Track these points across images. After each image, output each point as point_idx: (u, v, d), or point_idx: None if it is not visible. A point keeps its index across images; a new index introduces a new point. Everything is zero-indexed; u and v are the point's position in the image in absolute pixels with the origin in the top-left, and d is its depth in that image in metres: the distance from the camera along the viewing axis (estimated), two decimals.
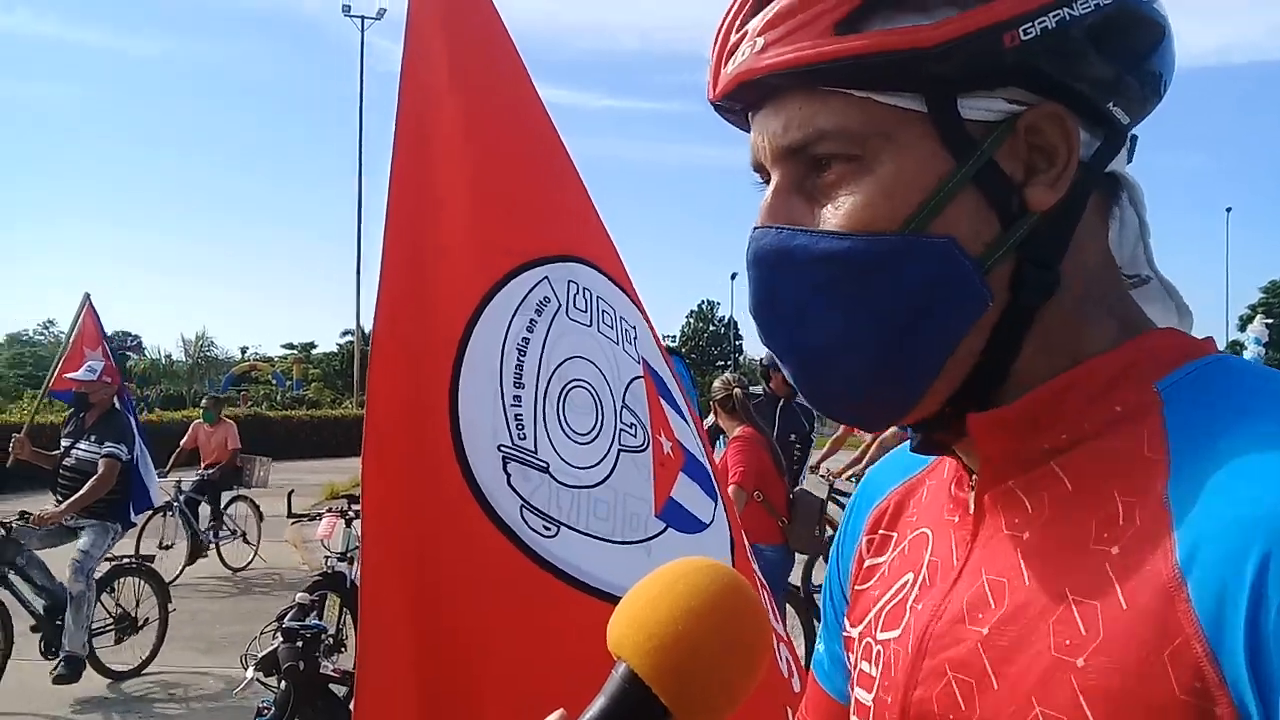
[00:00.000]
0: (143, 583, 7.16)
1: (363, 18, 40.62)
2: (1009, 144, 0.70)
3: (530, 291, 1.86)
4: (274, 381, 60.08)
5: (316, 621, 3.68)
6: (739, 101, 0.76)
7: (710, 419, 6.27)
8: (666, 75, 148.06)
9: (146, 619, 7.09)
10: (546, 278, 1.89)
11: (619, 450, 1.88)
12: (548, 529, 1.74)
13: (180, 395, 48.09)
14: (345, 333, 66.94)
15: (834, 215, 0.70)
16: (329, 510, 6.97)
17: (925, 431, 0.77)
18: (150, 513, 9.00)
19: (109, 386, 7.34)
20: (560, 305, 1.89)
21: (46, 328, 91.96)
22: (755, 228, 0.74)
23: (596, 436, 1.87)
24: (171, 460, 10.85)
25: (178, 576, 8.92)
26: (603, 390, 1.91)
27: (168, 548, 9.91)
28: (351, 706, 3.50)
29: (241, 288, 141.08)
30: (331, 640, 6.03)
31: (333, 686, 3.52)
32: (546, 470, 1.78)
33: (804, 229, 0.71)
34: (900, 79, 0.68)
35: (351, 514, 6.55)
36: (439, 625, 1.70)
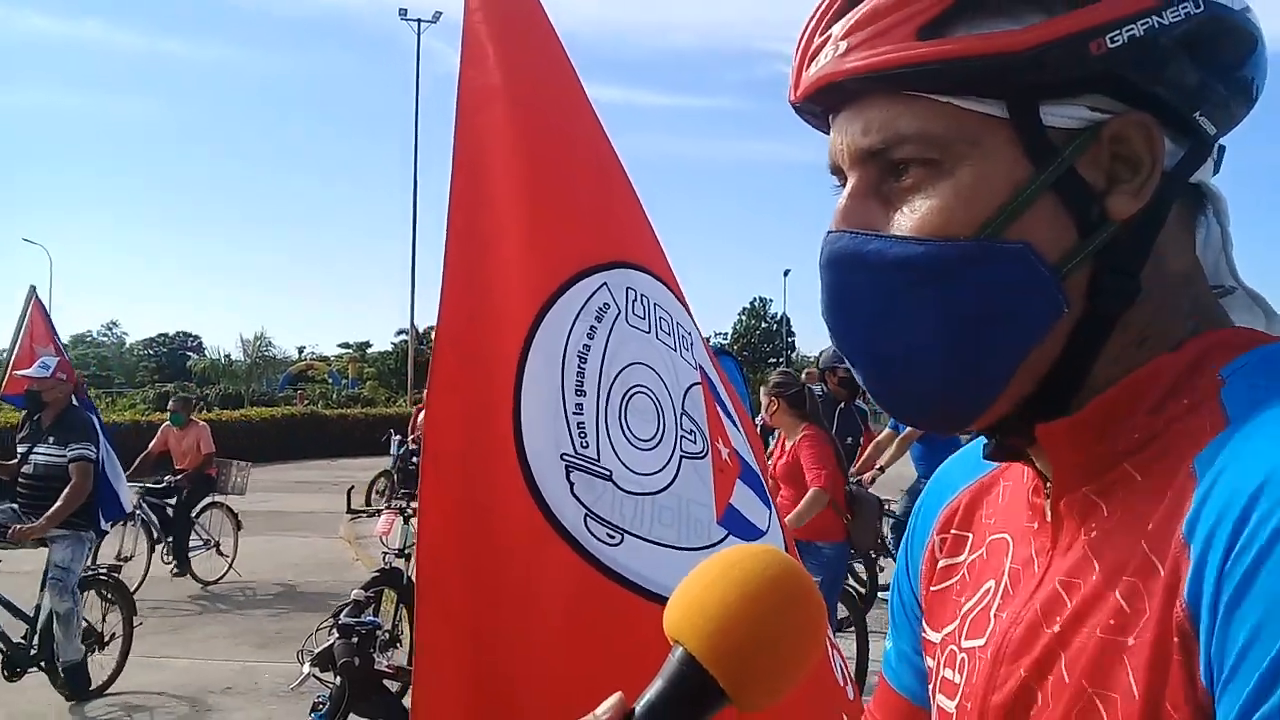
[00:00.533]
0: (109, 596, 6.63)
1: (419, 21, 41.04)
2: (1092, 152, 0.69)
3: (590, 298, 1.86)
4: (330, 380, 61.00)
5: (372, 618, 3.71)
6: (820, 104, 0.76)
7: (759, 417, 6.19)
8: (721, 72, 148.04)
9: (113, 634, 6.53)
10: (605, 284, 1.89)
11: (681, 456, 1.87)
12: (612, 537, 1.73)
13: (239, 394, 48.87)
14: (400, 332, 67.52)
15: (910, 220, 0.70)
16: (388, 506, 7.03)
17: (998, 437, 0.77)
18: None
19: (64, 384, 6.63)
20: (620, 311, 1.89)
21: (110, 329, 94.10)
22: (830, 231, 0.74)
23: (659, 443, 1.86)
24: (135, 465, 9.65)
25: (138, 588, 8.10)
26: (663, 397, 1.90)
27: (127, 559, 8.87)
28: (406, 703, 3.52)
29: (299, 289, 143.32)
30: (387, 636, 6.09)
31: (387, 682, 3.55)
32: (610, 478, 1.77)
33: (879, 233, 0.71)
34: (983, 84, 0.68)
35: (410, 511, 6.59)
36: (498, 631, 1.70)
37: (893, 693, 0.96)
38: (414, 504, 6.05)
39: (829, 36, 0.73)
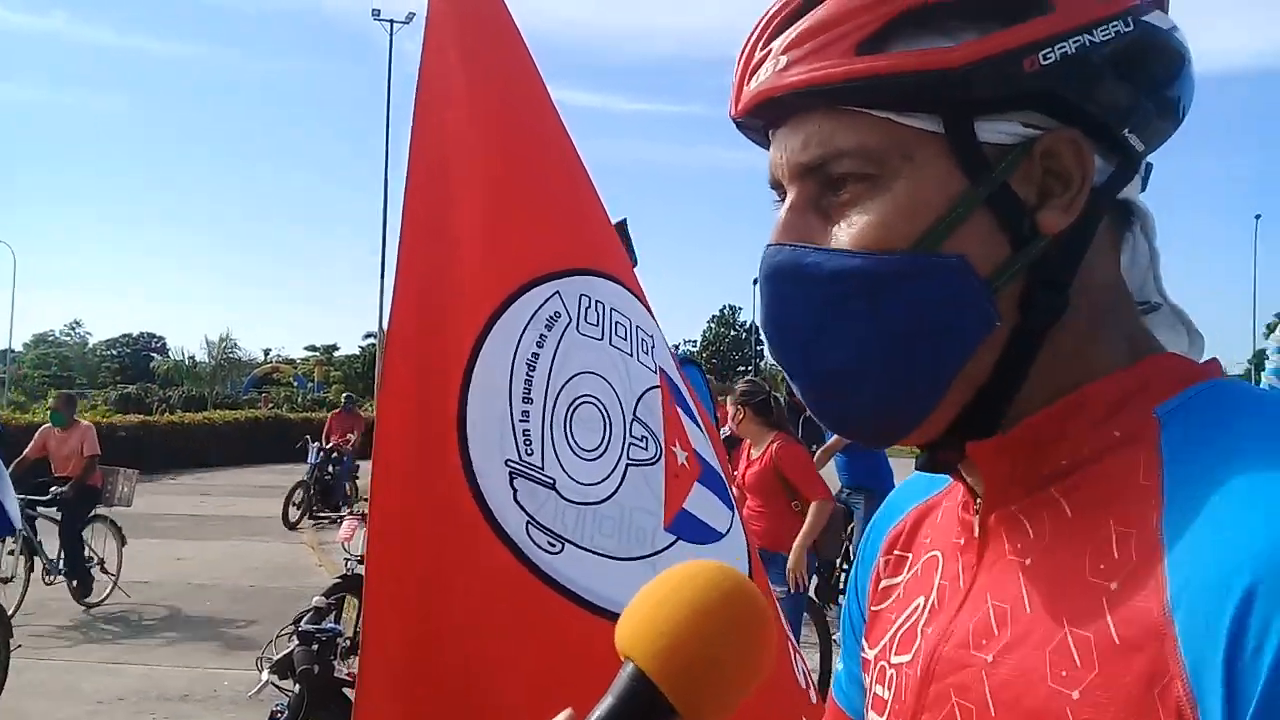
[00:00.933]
0: None
1: (391, 22, 40.76)
2: (1024, 167, 0.70)
3: (541, 307, 1.86)
4: (296, 383, 60.56)
5: (333, 625, 3.68)
6: (760, 118, 0.77)
7: (726, 428, 6.19)
8: (697, 78, 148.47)
9: None
10: (558, 292, 1.89)
11: (627, 465, 1.88)
12: (553, 545, 1.74)
13: (202, 397, 48.40)
14: (367, 335, 67.32)
15: (847, 233, 0.71)
16: (349, 513, 6.99)
17: (932, 450, 0.77)
18: None
19: None
20: (571, 320, 1.89)
21: (73, 329, 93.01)
22: (769, 245, 0.75)
23: (604, 452, 1.86)
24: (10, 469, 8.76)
25: (16, 610, 7.45)
26: (612, 405, 1.90)
27: (6, 581, 8.23)
28: None
29: (266, 290, 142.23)
30: (348, 643, 6.05)
31: (347, 690, 3.52)
32: (553, 487, 1.78)
33: (817, 246, 0.72)
34: (919, 100, 0.69)
35: None
36: (443, 635, 1.70)
37: (842, 714, 0.96)
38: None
39: (769, 51, 0.73)
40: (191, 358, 67.01)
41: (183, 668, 7.11)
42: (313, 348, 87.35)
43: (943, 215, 0.69)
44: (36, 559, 8.60)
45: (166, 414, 31.78)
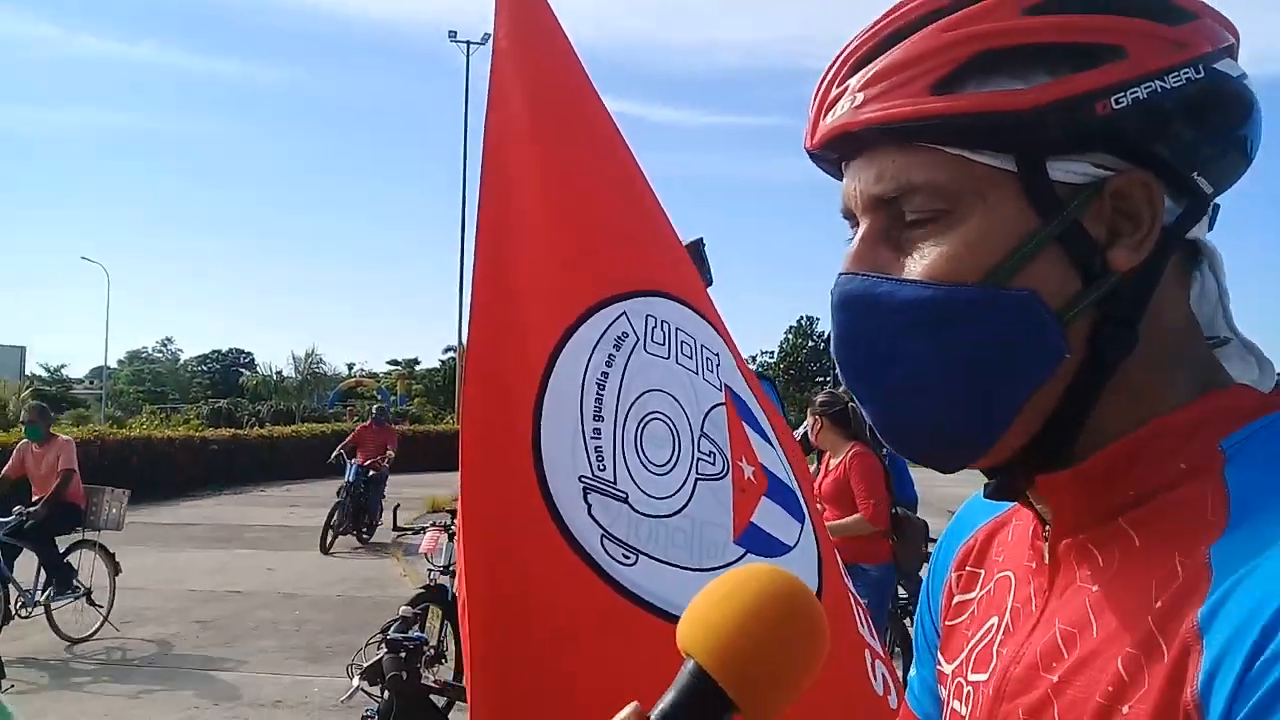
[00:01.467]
0: None
1: (468, 43, 41.41)
2: (1095, 207, 0.72)
3: (609, 327, 1.91)
4: (379, 397, 61.47)
5: (418, 634, 3.76)
6: (835, 151, 0.79)
7: (799, 431, 6.16)
8: (767, 90, 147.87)
9: None
10: (625, 313, 1.94)
11: (696, 479, 1.92)
12: (627, 557, 1.77)
13: (290, 411, 49.47)
14: (448, 349, 68.11)
15: (920, 265, 0.73)
16: (432, 525, 7.11)
17: (1000, 479, 0.79)
18: None
19: None
20: (638, 340, 1.93)
21: (165, 345, 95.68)
22: (841, 273, 0.77)
23: (674, 467, 1.90)
24: None
25: None
26: (680, 421, 1.94)
27: None
28: (452, 717, 3.56)
29: (350, 306, 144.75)
30: (433, 652, 6.15)
31: (433, 697, 3.60)
32: (625, 500, 1.82)
33: (888, 276, 0.74)
34: (992, 139, 0.71)
35: (454, 528, 6.65)
36: (536, 651, 1.74)
37: (914, 718, 1.00)
38: (457, 521, 6.11)
39: (846, 88, 0.76)
40: (279, 373, 68.62)
41: (274, 674, 7.30)
42: (395, 362, 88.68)
43: (1014, 250, 0.71)
44: (12, 587, 7.86)
45: (256, 428, 32.53)
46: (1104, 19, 0.71)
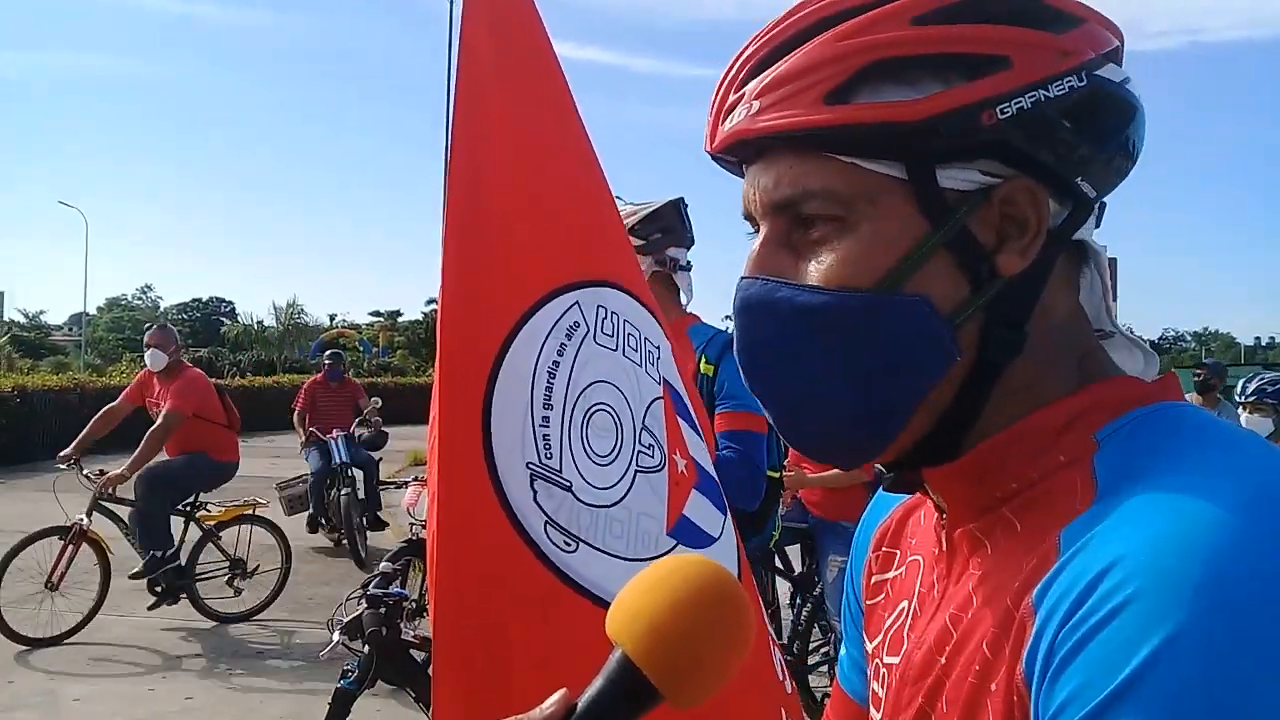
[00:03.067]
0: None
1: None
2: (983, 213, 0.74)
3: (562, 316, 1.94)
4: (360, 348, 61.21)
5: (399, 589, 3.80)
6: (734, 156, 0.81)
7: None
8: None
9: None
10: (578, 303, 1.97)
11: (636, 471, 1.97)
12: (568, 545, 1.82)
13: (272, 361, 49.24)
14: (430, 301, 67.79)
15: (816, 270, 0.75)
16: (415, 479, 7.14)
17: (896, 473, 0.82)
18: None
19: None
20: (588, 331, 1.97)
21: (144, 292, 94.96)
22: (742, 277, 0.79)
23: (616, 458, 1.95)
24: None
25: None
26: (624, 413, 1.99)
27: None
28: (430, 671, 3.62)
29: (332, 256, 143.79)
30: (414, 606, 6.19)
31: (413, 651, 3.64)
32: (569, 489, 1.86)
33: (787, 281, 0.76)
34: (883, 148, 0.73)
35: None
36: (487, 629, 1.80)
37: (846, 697, 1.01)
38: None
39: (743, 95, 0.78)
40: (260, 323, 68.29)
41: (257, 626, 7.36)
42: (377, 313, 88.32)
43: (906, 256, 0.73)
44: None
45: (237, 378, 32.41)
46: (990, 29, 0.73)
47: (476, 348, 1.85)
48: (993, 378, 0.75)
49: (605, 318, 2.01)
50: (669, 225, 3.21)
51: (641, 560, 1.88)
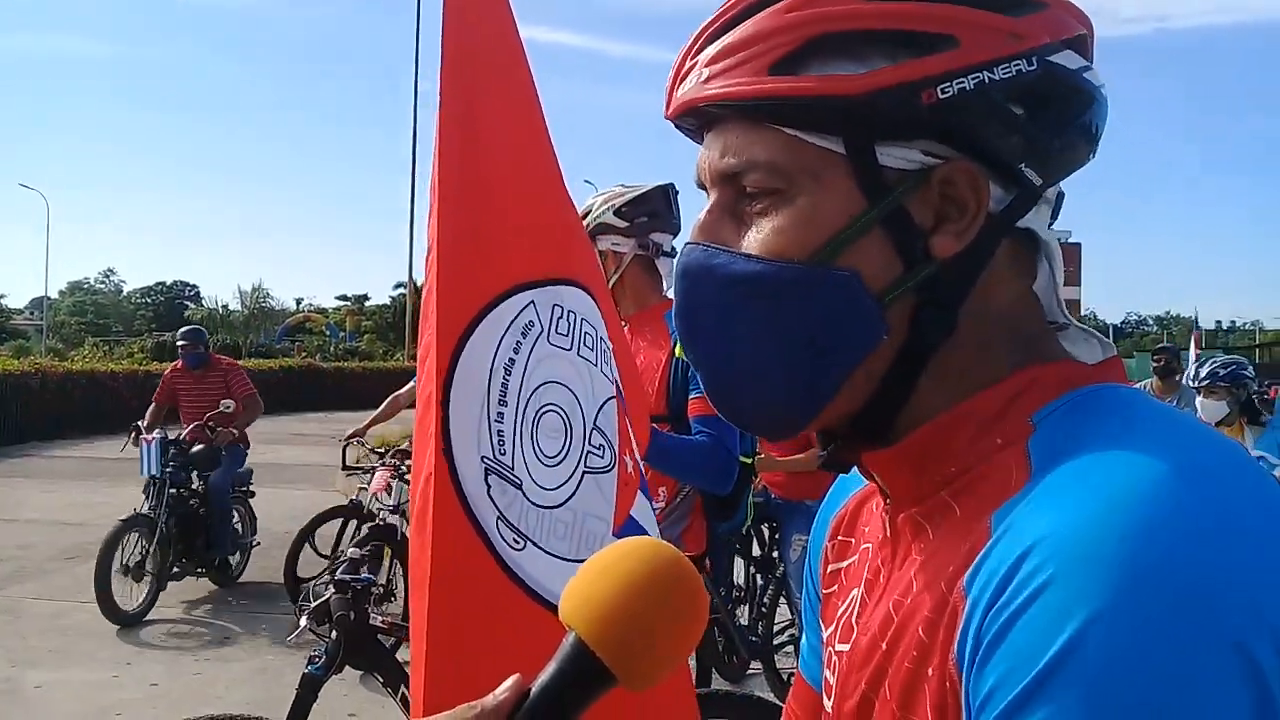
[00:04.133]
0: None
1: None
2: (921, 193, 0.73)
3: (519, 314, 1.95)
4: (327, 333, 60.88)
5: (367, 575, 3.77)
6: (688, 123, 0.81)
7: None
8: None
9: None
10: (533, 301, 1.98)
11: (584, 473, 1.99)
12: (517, 542, 1.84)
13: (236, 345, 48.88)
14: (398, 285, 67.52)
15: (754, 239, 0.75)
16: (382, 465, 7.11)
17: (831, 451, 0.82)
18: None
19: None
20: (542, 330, 1.98)
21: (107, 276, 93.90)
22: (687, 242, 0.79)
23: (563, 460, 1.97)
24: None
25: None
26: (574, 415, 2.01)
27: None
28: (400, 656, 3.60)
29: (298, 240, 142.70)
30: (382, 591, 6.18)
31: (381, 637, 3.62)
32: (520, 487, 1.88)
33: (726, 249, 0.76)
34: (823, 122, 0.73)
35: (405, 469, 6.66)
36: (457, 617, 1.81)
37: (806, 685, 1.00)
38: (408, 462, 6.10)
39: (696, 62, 0.78)
40: (225, 307, 67.70)
41: (223, 610, 7.30)
42: (344, 297, 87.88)
43: (840, 231, 0.73)
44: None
45: None
46: (940, 8, 0.72)
47: (440, 340, 1.87)
48: (924, 359, 0.75)
49: (560, 316, 2.03)
50: (656, 210, 3.24)
51: (584, 562, 1.90)
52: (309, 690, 3.39)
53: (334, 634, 3.45)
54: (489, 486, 1.83)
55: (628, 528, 2.03)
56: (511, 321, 1.93)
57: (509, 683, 0.73)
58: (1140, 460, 0.62)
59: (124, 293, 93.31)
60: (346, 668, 3.51)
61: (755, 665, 5.58)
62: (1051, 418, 0.70)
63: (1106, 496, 0.60)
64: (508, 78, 2.12)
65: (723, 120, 0.77)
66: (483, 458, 1.84)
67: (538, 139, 2.17)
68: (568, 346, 2.02)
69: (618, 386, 2.15)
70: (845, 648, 0.82)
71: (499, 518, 1.83)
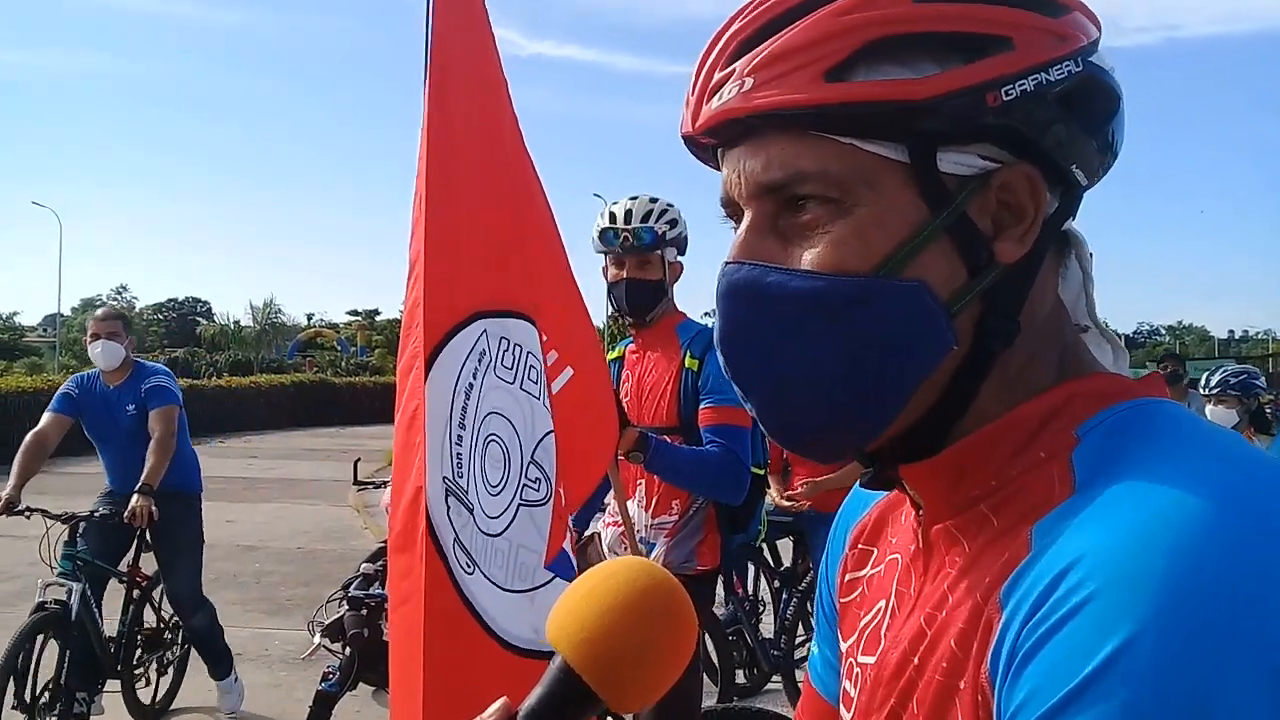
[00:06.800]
0: None
1: None
2: (980, 199, 0.72)
3: (476, 342, 1.98)
4: (339, 348, 61.00)
5: (380, 590, 3.76)
6: (716, 137, 0.77)
7: None
8: None
9: None
10: (485, 331, 2.01)
11: (520, 505, 2.02)
12: (469, 567, 1.87)
13: (248, 361, 49.00)
14: None
15: (809, 255, 0.72)
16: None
17: (877, 469, 0.79)
18: None
19: None
20: (491, 362, 2.01)
21: (119, 293, 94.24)
22: (727, 262, 0.75)
23: (503, 490, 2.00)
24: None
25: None
26: (513, 447, 2.04)
27: None
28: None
29: (309, 256, 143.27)
30: None
31: None
32: (472, 512, 1.90)
33: (778, 266, 0.73)
34: (885, 129, 0.70)
35: None
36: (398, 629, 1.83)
37: (817, 696, 0.98)
38: None
39: (732, 71, 0.73)
40: (236, 322, 67.83)
41: (235, 627, 7.26)
42: (355, 312, 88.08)
43: (904, 241, 0.70)
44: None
45: (214, 378, 32.25)
46: (993, 10, 0.70)
47: (428, 349, 1.91)
48: (986, 369, 0.73)
49: (507, 350, 2.06)
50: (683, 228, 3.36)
51: (517, 591, 1.94)
52: (322, 707, 3.38)
53: (347, 650, 3.45)
54: (449, 507, 1.85)
55: (559, 560, 2.05)
56: (472, 347, 1.96)
57: (496, 706, 0.72)
58: (1188, 479, 0.60)
59: (136, 309, 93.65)
60: (360, 684, 3.50)
61: (776, 679, 5.54)
62: (1096, 431, 0.69)
63: (1153, 514, 0.58)
64: (489, 93, 2.17)
65: (761, 132, 0.73)
66: (444, 477, 1.86)
67: (509, 168, 2.21)
68: (511, 380, 2.05)
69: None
70: (870, 660, 0.80)
71: (455, 539, 1.84)
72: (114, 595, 5.33)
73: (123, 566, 5.29)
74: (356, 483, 7.98)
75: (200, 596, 5.43)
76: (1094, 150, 0.74)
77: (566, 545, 2.08)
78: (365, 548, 7.83)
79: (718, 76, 0.75)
